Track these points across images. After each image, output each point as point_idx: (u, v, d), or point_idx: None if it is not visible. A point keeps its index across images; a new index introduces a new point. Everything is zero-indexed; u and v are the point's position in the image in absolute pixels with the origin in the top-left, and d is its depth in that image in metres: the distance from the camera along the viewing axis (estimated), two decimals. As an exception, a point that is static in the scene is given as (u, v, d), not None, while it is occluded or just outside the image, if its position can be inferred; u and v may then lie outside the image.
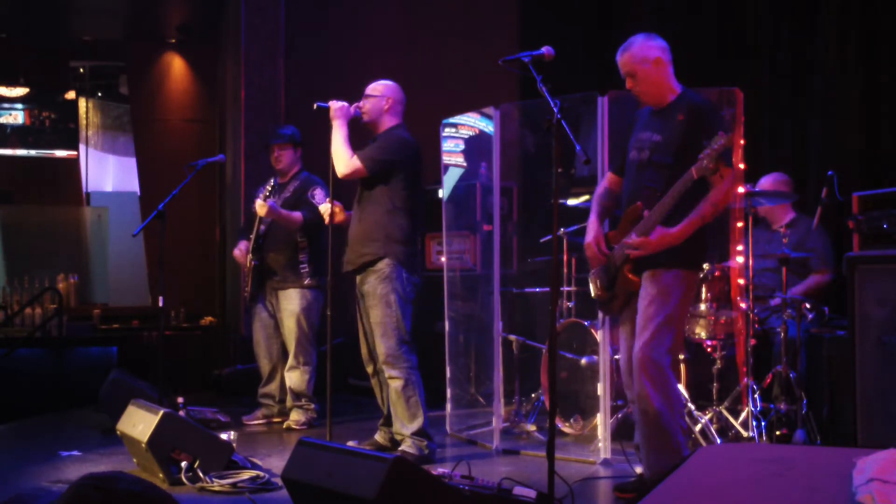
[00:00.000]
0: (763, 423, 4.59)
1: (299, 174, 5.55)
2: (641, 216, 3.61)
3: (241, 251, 5.54)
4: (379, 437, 4.67)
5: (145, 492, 1.63)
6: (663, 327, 3.53)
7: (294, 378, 5.42)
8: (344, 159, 4.33)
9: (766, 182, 5.15)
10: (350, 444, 4.18)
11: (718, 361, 4.71)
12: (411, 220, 4.43)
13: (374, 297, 4.37)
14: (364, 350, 4.59)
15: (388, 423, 4.63)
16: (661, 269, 3.58)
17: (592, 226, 3.84)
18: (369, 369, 4.62)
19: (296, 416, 5.42)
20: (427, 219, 6.42)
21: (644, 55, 3.65)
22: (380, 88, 4.53)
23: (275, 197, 5.41)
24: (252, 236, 5.45)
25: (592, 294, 3.96)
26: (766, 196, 4.92)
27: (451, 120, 5.44)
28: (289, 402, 5.48)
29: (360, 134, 4.51)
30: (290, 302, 5.43)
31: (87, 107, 9.85)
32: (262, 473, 3.94)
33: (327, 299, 4.32)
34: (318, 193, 5.40)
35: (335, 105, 4.39)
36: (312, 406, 5.44)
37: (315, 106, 4.44)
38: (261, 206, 5.18)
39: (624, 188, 3.87)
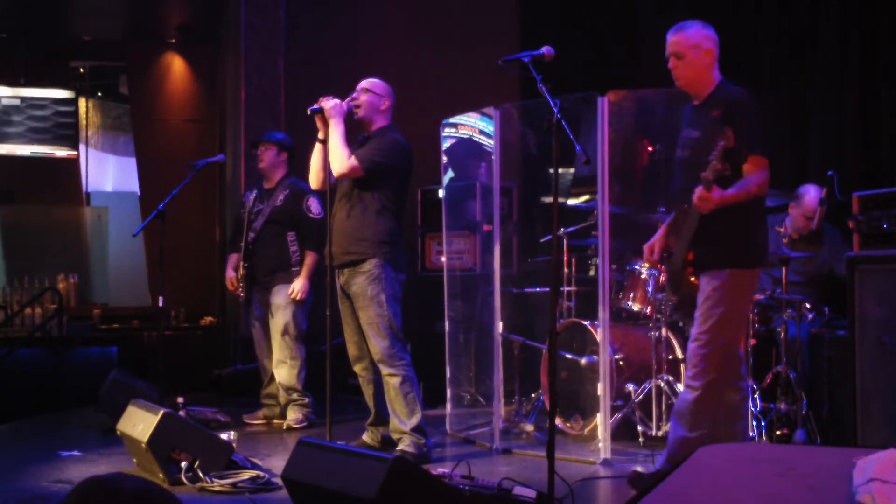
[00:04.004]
0: (763, 423, 4.59)
1: (285, 180, 5.59)
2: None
3: (231, 281, 5.59)
4: (367, 437, 4.67)
5: (149, 489, 1.64)
6: (717, 325, 3.57)
7: (282, 374, 5.43)
8: (341, 158, 4.31)
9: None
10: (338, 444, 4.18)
11: (718, 361, 4.70)
12: (397, 220, 4.47)
13: (365, 299, 4.37)
14: (352, 350, 4.59)
15: (376, 422, 4.64)
16: (713, 270, 3.61)
17: (659, 231, 3.92)
18: (356, 368, 4.61)
19: (293, 415, 5.42)
20: (427, 219, 6.45)
21: (698, 42, 3.66)
22: (378, 87, 4.53)
23: (263, 203, 5.50)
24: (241, 244, 5.52)
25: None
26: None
27: (451, 120, 5.44)
28: (283, 397, 5.48)
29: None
30: (278, 296, 5.46)
31: (87, 107, 9.82)
32: (262, 473, 3.94)
33: (326, 299, 4.30)
34: (314, 204, 5.46)
35: (328, 104, 4.35)
36: (307, 399, 5.44)
37: (308, 111, 4.40)
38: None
39: (673, 188, 3.88)
